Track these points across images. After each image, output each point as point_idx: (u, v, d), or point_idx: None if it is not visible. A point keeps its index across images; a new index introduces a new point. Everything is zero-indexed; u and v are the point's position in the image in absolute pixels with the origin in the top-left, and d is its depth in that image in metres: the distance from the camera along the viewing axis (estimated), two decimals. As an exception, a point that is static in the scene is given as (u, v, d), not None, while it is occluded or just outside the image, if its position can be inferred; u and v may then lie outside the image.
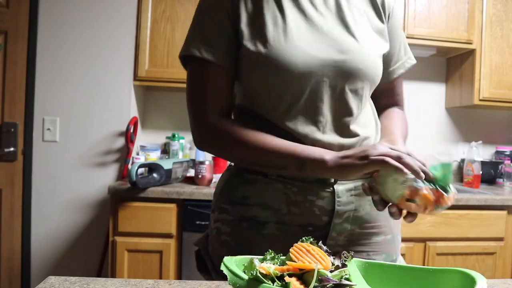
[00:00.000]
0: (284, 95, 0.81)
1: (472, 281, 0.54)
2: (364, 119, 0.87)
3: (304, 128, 0.81)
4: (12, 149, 2.19)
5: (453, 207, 2.02)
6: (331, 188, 0.81)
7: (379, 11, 0.91)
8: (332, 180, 0.81)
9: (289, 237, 0.79)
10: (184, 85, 2.44)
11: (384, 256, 0.87)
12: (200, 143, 0.85)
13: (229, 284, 0.51)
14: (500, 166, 2.57)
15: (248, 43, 0.81)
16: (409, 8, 2.32)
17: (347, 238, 0.84)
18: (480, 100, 2.39)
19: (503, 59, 2.40)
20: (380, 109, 0.97)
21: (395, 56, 0.95)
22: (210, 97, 0.83)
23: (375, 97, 0.94)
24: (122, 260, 1.93)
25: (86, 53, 2.24)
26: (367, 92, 0.86)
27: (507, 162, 2.58)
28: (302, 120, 0.81)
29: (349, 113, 0.83)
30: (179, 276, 1.95)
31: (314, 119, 0.81)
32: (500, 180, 2.54)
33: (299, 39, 0.80)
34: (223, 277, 0.57)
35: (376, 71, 0.86)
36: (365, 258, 0.73)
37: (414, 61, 0.98)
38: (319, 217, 0.81)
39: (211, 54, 0.81)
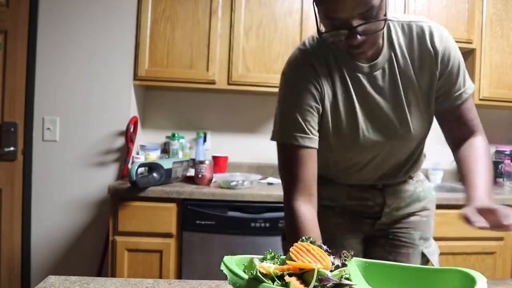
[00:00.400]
0: (348, 167, 1.05)
1: (472, 280, 0.54)
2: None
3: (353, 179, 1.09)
4: (12, 149, 2.19)
5: (453, 207, 2.03)
6: (382, 189, 1.08)
7: (432, 65, 0.95)
8: (381, 186, 1.08)
9: (348, 216, 1.11)
10: (184, 85, 2.43)
11: (420, 233, 1.11)
12: (284, 205, 0.97)
13: (229, 284, 0.51)
14: (500, 166, 2.57)
15: (330, 133, 0.96)
16: (409, 8, 2.32)
17: (391, 222, 1.11)
18: (480, 99, 2.39)
19: (503, 59, 2.40)
20: (458, 141, 1.02)
21: (455, 87, 0.98)
22: (301, 180, 0.94)
23: (448, 130, 1.03)
24: (122, 260, 1.93)
25: (86, 52, 2.24)
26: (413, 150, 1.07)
27: (507, 161, 2.58)
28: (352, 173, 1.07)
29: (389, 164, 1.05)
30: (179, 276, 1.95)
31: (360, 174, 1.07)
32: (500, 180, 2.54)
33: (366, 129, 0.96)
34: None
35: (420, 137, 1.03)
36: (404, 233, 1.10)
37: (472, 89, 1.02)
38: (372, 207, 1.09)
39: (309, 141, 0.94)
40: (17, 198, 2.21)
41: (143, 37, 2.22)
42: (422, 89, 0.96)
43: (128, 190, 1.90)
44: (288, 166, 0.95)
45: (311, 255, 0.53)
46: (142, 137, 2.55)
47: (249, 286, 0.48)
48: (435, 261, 1.13)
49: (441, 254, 2.09)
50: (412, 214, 1.12)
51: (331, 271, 0.51)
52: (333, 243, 0.96)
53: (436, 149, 2.75)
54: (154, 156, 2.28)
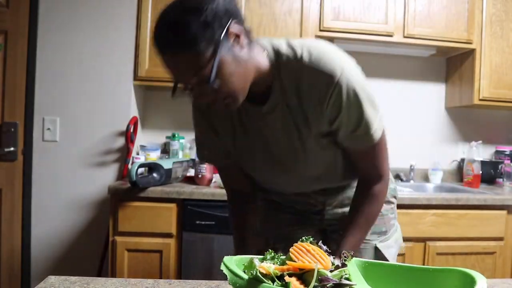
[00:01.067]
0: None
1: (472, 280, 0.54)
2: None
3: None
4: (12, 149, 2.19)
5: (453, 207, 2.03)
6: (324, 189, 1.09)
7: (321, 111, 0.89)
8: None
9: (297, 212, 1.15)
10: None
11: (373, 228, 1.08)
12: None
13: (229, 284, 0.51)
14: (500, 166, 2.57)
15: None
16: (409, 8, 2.32)
17: (340, 218, 1.11)
18: (480, 100, 2.39)
19: (503, 59, 2.40)
20: (360, 179, 1.03)
21: (355, 133, 0.91)
22: (227, 187, 1.18)
23: (354, 163, 1.00)
24: (122, 260, 1.93)
25: (86, 53, 2.23)
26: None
27: (507, 162, 2.58)
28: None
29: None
30: (179, 276, 1.95)
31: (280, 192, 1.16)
32: (500, 180, 2.54)
33: (262, 172, 1.06)
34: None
35: (324, 167, 1.01)
36: None
37: (375, 139, 0.92)
38: (314, 205, 1.13)
39: (214, 162, 1.17)
40: (17, 198, 2.21)
41: (143, 37, 2.21)
42: (311, 127, 0.92)
43: (128, 190, 1.90)
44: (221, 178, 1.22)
45: (311, 255, 0.53)
46: (142, 137, 2.55)
47: (249, 286, 0.48)
48: (390, 255, 1.11)
49: (441, 254, 2.09)
50: None
51: (331, 271, 0.51)
52: (287, 238, 0.95)
53: (436, 149, 2.76)
54: (154, 156, 2.28)
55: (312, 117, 0.91)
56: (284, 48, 0.90)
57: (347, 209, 1.07)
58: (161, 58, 0.81)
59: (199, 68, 0.76)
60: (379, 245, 1.10)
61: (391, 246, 1.13)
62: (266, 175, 1.06)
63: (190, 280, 0.75)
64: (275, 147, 0.98)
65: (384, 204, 1.08)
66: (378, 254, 1.10)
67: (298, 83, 0.88)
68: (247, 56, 0.83)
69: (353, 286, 0.47)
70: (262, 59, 0.88)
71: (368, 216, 0.98)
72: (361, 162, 0.98)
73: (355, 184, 1.05)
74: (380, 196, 0.99)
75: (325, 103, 0.87)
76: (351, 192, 1.07)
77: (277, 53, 0.90)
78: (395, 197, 1.19)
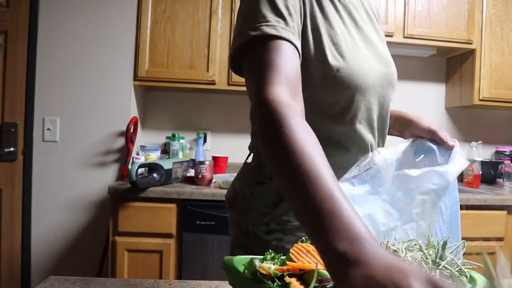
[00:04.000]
0: (348, 107, 0.81)
1: (472, 280, 0.54)
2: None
3: (366, 135, 0.85)
4: (12, 149, 2.19)
5: (453, 207, 2.03)
6: None
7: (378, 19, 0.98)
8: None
9: None
10: (184, 85, 2.43)
11: None
12: (254, 119, 0.68)
13: (229, 284, 0.51)
14: (500, 166, 2.57)
15: (329, 57, 0.77)
16: (409, 8, 2.32)
17: None
18: (480, 100, 2.39)
19: (503, 59, 2.40)
20: None
21: None
22: (281, 71, 0.67)
23: None
24: (122, 260, 1.93)
25: (86, 53, 2.24)
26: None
27: (507, 162, 2.58)
28: (363, 127, 0.84)
29: (386, 125, 0.92)
30: (179, 276, 1.95)
31: (370, 126, 0.86)
32: (500, 180, 2.54)
33: (364, 55, 0.82)
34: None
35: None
36: None
37: None
38: None
39: (291, 34, 0.71)
40: (17, 198, 2.21)
41: (143, 38, 2.22)
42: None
43: (128, 191, 1.90)
44: (261, 63, 0.68)
45: (311, 256, 0.53)
46: (142, 137, 2.55)
47: (249, 287, 0.48)
48: None
49: (441, 254, 2.09)
50: None
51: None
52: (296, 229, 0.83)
53: (436, 149, 2.75)
54: (154, 156, 2.28)
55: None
56: None
57: None
58: None
59: None
60: None
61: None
62: (366, 56, 0.83)
63: (190, 280, 0.76)
64: (371, 36, 0.88)
65: None
66: None
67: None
68: None
69: (353, 287, 0.47)
70: None
71: None
72: None
73: None
74: None
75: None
76: None
77: None
78: None
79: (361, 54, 0.81)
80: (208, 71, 2.23)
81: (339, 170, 0.74)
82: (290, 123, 0.58)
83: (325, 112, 0.81)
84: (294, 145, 0.55)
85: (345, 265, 0.42)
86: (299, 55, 0.72)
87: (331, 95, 0.79)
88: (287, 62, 0.68)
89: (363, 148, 0.84)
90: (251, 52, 0.71)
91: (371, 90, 0.81)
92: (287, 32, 0.70)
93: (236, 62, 0.77)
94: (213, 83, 2.24)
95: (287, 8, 0.72)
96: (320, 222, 0.46)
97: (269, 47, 0.69)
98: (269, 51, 0.68)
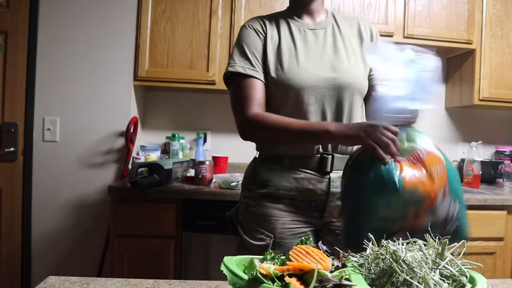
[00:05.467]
0: (297, 104, 1.15)
1: (472, 281, 0.54)
2: (355, 120, 1.19)
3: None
4: (12, 149, 2.19)
5: (453, 207, 2.03)
6: (328, 176, 1.17)
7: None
8: (328, 169, 1.16)
9: (297, 210, 1.17)
10: (184, 85, 2.43)
11: None
12: (244, 133, 1.16)
13: (229, 284, 0.51)
14: (500, 166, 2.57)
15: (272, 71, 1.16)
16: (409, 8, 2.32)
17: (338, 214, 1.18)
18: (480, 100, 2.39)
19: (503, 59, 2.40)
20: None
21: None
22: (252, 99, 1.14)
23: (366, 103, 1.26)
24: (122, 260, 1.93)
25: (86, 53, 2.24)
26: (356, 99, 1.19)
27: (507, 162, 2.58)
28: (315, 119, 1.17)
29: (342, 115, 1.18)
30: (179, 276, 1.95)
31: (324, 119, 1.17)
32: (500, 180, 2.54)
33: (302, 65, 1.15)
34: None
35: (361, 84, 1.19)
36: None
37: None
38: (320, 196, 1.17)
39: (254, 72, 1.16)
40: (17, 198, 2.21)
41: (143, 38, 2.22)
42: (361, 55, 1.21)
43: (128, 191, 1.90)
44: (238, 94, 1.16)
45: (311, 256, 0.53)
46: (142, 137, 2.55)
47: (249, 287, 0.48)
48: None
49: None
50: None
51: (331, 271, 0.51)
52: (284, 239, 1.15)
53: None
54: (154, 156, 2.28)
55: (356, 45, 1.23)
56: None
57: None
58: None
59: None
60: None
61: None
62: (308, 74, 1.15)
63: (190, 280, 0.76)
64: (320, 54, 1.19)
65: None
66: None
67: (347, 22, 1.26)
68: None
69: (353, 287, 0.47)
70: None
71: None
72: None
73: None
74: None
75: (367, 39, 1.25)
76: None
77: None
78: None
79: (300, 65, 1.15)
80: (208, 71, 2.23)
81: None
82: (267, 116, 1.12)
83: (285, 108, 1.16)
84: (276, 120, 1.11)
85: (344, 132, 1.04)
86: (263, 82, 1.16)
87: (280, 95, 1.16)
88: (255, 92, 1.14)
89: None
90: (232, 82, 1.19)
91: (308, 89, 1.13)
92: (251, 71, 1.16)
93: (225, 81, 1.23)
94: (213, 83, 2.24)
95: (252, 53, 1.18)
96: (315, 130, 1.07)
97: (242, 84, 1.15)
98: (243, 87, 1.15)
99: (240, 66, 1.16)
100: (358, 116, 1.21)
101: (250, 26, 1.21)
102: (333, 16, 1.27)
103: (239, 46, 1.20)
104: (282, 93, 1.15)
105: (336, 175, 1.16)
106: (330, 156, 1.16)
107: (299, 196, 1.16)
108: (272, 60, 1.16)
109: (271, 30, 1.20)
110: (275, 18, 1.24)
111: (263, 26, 1.21)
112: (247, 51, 1.17)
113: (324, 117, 1.16)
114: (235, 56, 1.18)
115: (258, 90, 1.14)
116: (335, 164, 1.16)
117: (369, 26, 1.27)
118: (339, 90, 1.15)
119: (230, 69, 1.17)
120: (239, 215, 1.26)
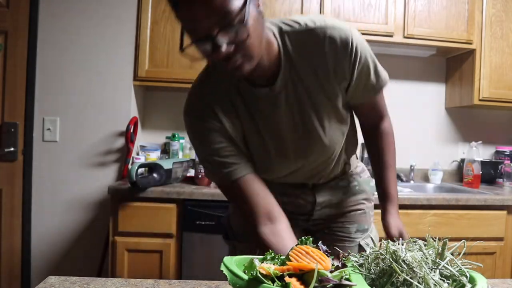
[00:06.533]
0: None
1: (472, 281, 0.54)
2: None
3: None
4: (12, 149, 2.19)
5: (453, 207, 2.03)
6: (313, 188, 1.11)
7: (336, 76, 0.91)
8: (311, 186, 1.10)
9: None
10: (184, 85, 2.44)
11: (356, 226, 1.16)
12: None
13: (229, 284, 0.51)
14: (500, 166, 2.57)
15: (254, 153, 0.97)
16: (409, 8, 2.32)
17: (326, 217, 1.14)
18: (480, 100, 2.39)
19: (503, 59, 2.40)
20: (370, 127, 1.12)
21: (369, 82, 0.96)
22: (252, 206, 0.92)
23: (364, 119, 1.11)
24: (122, 260, 1.93)
25: (86, 53, 2.23)
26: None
27: (507, 162, 2.58)
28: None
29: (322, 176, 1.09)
30: (179, 276, 1.95)
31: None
32: (500, 180, 2.54)
33: (274, 156, 0.96)
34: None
35: (339, 143, 1.02)
36: (340, 227, 1.14)
37: (386, 81, 1.01)
38: (304, 206, 1.13)
39: (239, 171, 0.92)
40: (17, 198, 2.21)
41: (143, 38, 2.22)
42: (331, 98, 0.93)
43: (128, 191, 1.90)
44: (238, 200, 0.95)
45: (311, 257, 0.53)
46: (142, 137, 2.55)
47: (249, 287, 0.48)
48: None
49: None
50: (347, 208, 1.15)
51: (331, 272, 0.51)
52: None
53: (436, 149, 2.76)
54: (154, 156, 2.28)
55: (328, 86, 0.91)
56: (284, 23, 0.90)
57: (334, 209, 1.15)
58: (184, 5, 0.72)
59: (229, 12, 0.71)
60: (362, 243, 1.16)
61: (370, 243, 1.16)
62: (280, 168, 1.00)
63: (190, 280, 0.76)
64: (290, 134, 0.95)
65: (366, 202, 1.19)
66: (361, 250, 1.15)
67: (307, 52, 0.88)
68: (263, 21, 0.80)
69: (353, 286, 0.47)
70: (269, 33, 0.86)
71: (392, 151, 1.11)
72: (371, 111, 1.07)
73: (344, 183, 1.15)
74: (391, 128, 1.13)
75: (344, 63, 0.89)
76: (340, 191, 1.15)
77: (279, 28, 0.89)
78: (374, 194, 1.22)
79: (274, 159, 0.99)
80: (208, 71, 2.22)
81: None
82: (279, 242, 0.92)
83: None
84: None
85: None
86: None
87: None
88: (254, 196, 0.93)
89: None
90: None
91: (279, 169, 1.01)
92: (237, 172, 0.92)
93: None
94: (213, 83, 2.24)
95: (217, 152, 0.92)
96: None
97: (235, 191, 0.95)
98: (237, 194, 0.95)
99: (223, 174, 0.92)
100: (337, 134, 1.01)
101: (199, 119, 0.93)
102: (287, 51, 0.88)
103: (201, 151, 0.96)
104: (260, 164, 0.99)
105: (322, 187, 1.12)
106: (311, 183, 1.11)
107: (284, 206, 1.00)
108: (243, 145, 0.96)
109: (225, 111, 0.92)
110: (224, 90, 0.93)
111: (214, 111, 0.92)
112: (215, 156, 0.92)
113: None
114: (206, 164, 0.96)
115: (254, 187, 0.93)
116: (320, 182, 1.12)
117: (338, 42, 0.87)
118: (316, 160, 1.02)
119: (214, 181, 1.00)
120: (230, 219, 1.21)
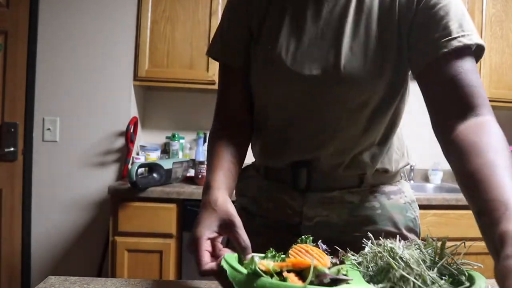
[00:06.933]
0: (279, 107, 0.83)
1: (471, 279, 0.54)
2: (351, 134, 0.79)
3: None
4: (12, 149, 2.19)
5: (453, 207, 2.03)
6: (302, 196, 0.82)
7: (393, 22, 0.75)
8: (303, 187, 0.81)
9: (270, 230, 0.85)
10: (184, 85, 2.43)
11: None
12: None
13: (229, 278, 0.51)
14: (500, 166, 2.56)
15: (260, 59, 0.82)
16: (409, 8, 2.32)
17: (328, 240, 0.67)
18: (480, 100, 2.39)
19: (503, 59, 2.40)
20: (450, 124, 0.68)
21: (438, 31, 0.68)
22: (222, 101, 0.93)
23: (433, 101, 0.76)
24: (122, 260, 1.93)
25: (86, 53, 2.24)
26: (359, 106, 0.78)
27: (507, 162, 2.57)
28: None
29: (329, 127, 0.79)
30: (179, 276, 1.95)
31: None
32: (500, 180, 2.54)
33: (289, 57, 0.78)
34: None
35: (363, 89, 0.77)
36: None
37: (474, 40, 0.67)
38: (291, 216, 0.83)
39: (229, 59, 0.88)
40: (17, 198, 2.21)
41: (143, 38, 2.22)
42: (378, 33, 0.74)
43: (128, 191, 1.91)
44: (218, 88, 0.96)
45: (310, 255, 0.54)
46: (142, 137, 2.55)
47: (247, 281, 0.48)
48: None
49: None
50: (357, 239, 0.69)
51: (329, 268, 0.52)
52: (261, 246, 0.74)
53: (436, 149, 2.75)
54: (154, 156, 2.28)
55: (386, 24, 0.74)
56: None
57: (337, 233, 0.81)
58: None
59: None
60: None
61: None
62: (280, 88, 0.80)
63: (190, 281, 0.76)
64: (309, 34, 0.78)
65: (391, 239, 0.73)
66: None
67: None
68: None
69: (349, 281, 0.48)
70: None
71: (504, 150, 0.60)
72: (460, 80, 0.67)
73: (355, 198, 0.82)
74: (500, 130, 0.66)
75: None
76: (346, 207, 0.82)
77: None
78: (413, 228, 1.00)
79: (297, 59, 0.80)
80: (208, 71, 2.23)
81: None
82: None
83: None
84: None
85: None
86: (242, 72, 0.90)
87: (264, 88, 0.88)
88: (227, 95, 0.96)
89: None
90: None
91: (298, 94, 0.81)
92: (228, 59, 0.90)
93: None
94: (213, 83, 2.24)
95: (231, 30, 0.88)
96: None
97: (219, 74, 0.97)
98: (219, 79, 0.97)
99: (216, 51, 0.91)
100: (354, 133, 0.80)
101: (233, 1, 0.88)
102: None
103: (220, 24, 0.91)
104: (263, 85, 0.84)
105: (316, 196, 0.81)
106: (305, 169, 0.80)
107: (270, 213, 0.85)
108: (255, 45, 0.85)
109: (258, 2, 0.84)
110: None
111: None
112: (226, 32, 0.88)
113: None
114: (214, 36, 0.93)
115: (233, 85, 0.93)
116: (315, 180, 0.81)
117: None
118: (329, 93, 0.78)
119: (208, 52, 0.95)
120: None
